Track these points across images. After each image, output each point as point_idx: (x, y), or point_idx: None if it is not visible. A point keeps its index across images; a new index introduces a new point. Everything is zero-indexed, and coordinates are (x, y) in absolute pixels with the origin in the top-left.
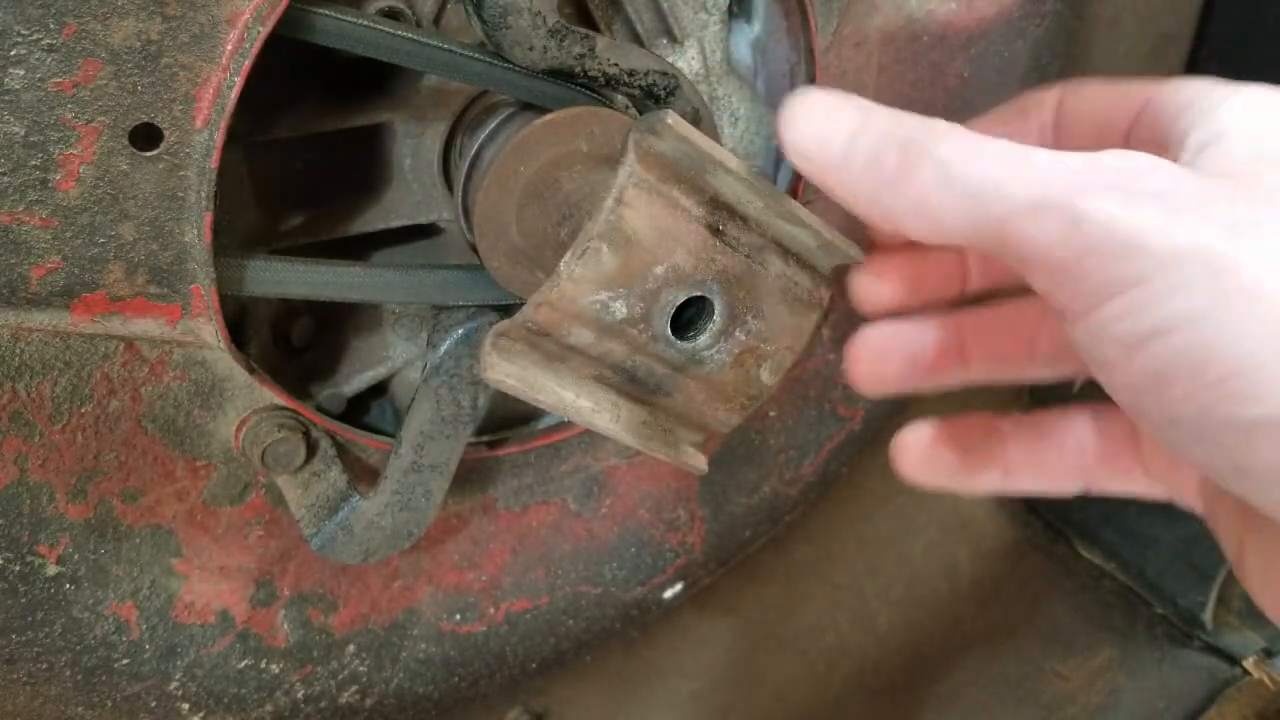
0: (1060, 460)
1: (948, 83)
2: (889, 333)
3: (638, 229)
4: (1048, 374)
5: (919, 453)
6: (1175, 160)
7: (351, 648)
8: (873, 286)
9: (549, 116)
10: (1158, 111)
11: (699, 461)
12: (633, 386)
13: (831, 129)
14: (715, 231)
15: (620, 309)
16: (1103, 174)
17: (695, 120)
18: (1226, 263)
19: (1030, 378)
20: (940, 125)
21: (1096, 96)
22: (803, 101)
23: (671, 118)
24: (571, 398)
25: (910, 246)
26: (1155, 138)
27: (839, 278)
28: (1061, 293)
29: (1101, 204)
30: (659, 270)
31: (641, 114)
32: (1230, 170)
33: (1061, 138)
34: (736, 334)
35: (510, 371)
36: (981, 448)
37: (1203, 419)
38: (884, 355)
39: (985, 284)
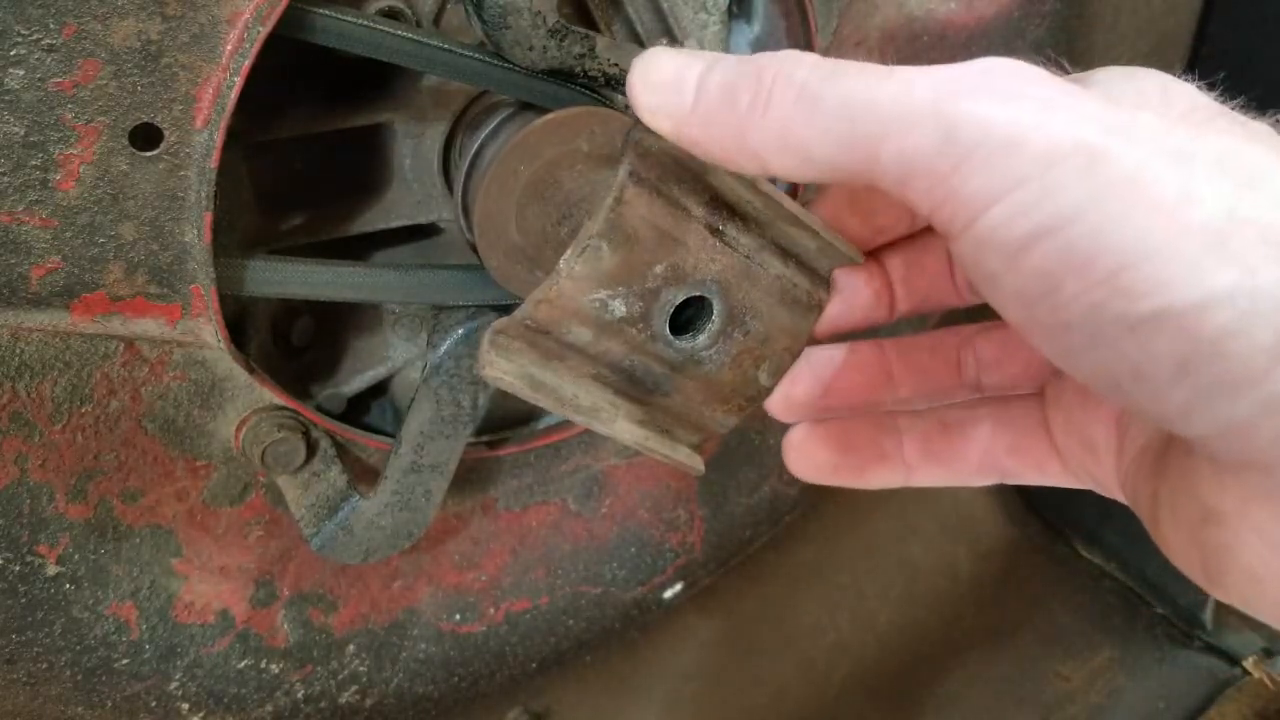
0: (965, 455)
1: None
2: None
3: (638, 228)
4: (983, 477)
5: (799, 452)
6: None
7: (351, 648)
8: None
9: (549, 116)
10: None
11: (696, 462)
12: (631, 386)
13: (679, 78)
14: (715, 231)
15: (619, 308)
16: (973, 79)
17: None
18: (1104, 155)
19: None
20: (797, 54)
21: None
22: (649, 58)
23: None
24: (570, 396)
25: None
26: None
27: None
28: (943, 208)
29: (975, 106)
30: (659, 269)
31: None
32: (1101, 89)
33: None
34: (735, 335)
35: (508, 369)
36: (869, 446)
37: (1095, 319)
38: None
39: (912, 304)
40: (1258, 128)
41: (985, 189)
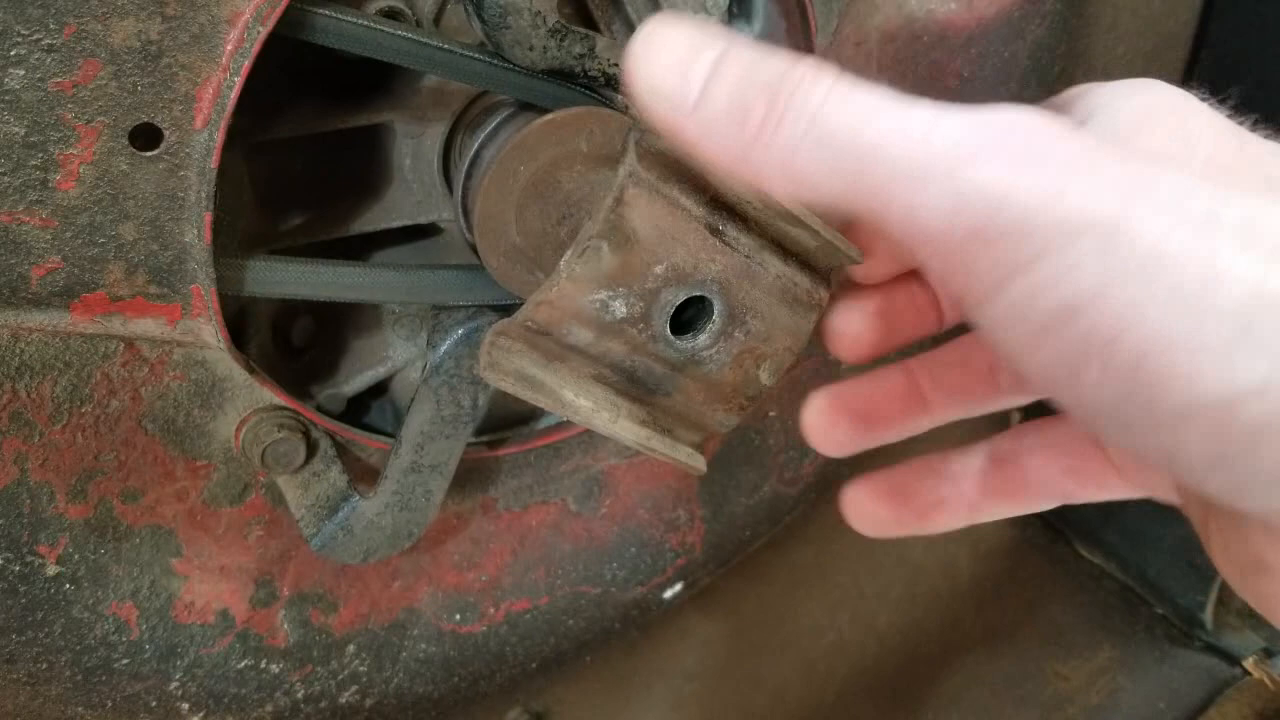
0: (1026, 485)
1: (948, 83)
2: (836, 394)
3: (638, 228)
4: (1017, 400)
5: (859, 511)
6: None
7: (351, 648)
8: (848, 329)
9: (549, 116)
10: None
11: (698, 462)
12: (632, 386)
13: (685, 68)
14: (715, 231)
15: (620, 308)
16: (989, 136)
17: None
18: (1124, 229)
19: (998, 407)
20: (812, 71)
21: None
22: (654, 32)
23: None
24: (571, 397)
25: (881, 285)
26: None
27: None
28: (955, 277)
29: (989, 173)
30: (659, 270)
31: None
32: (1117, 133)
33: None
34: (736, 334)
35: (509, 371)
36: (926, 494)
37: (1123, 407)
38: (833, 419)
39: (959, 316)
40: None
41: (999, 265)
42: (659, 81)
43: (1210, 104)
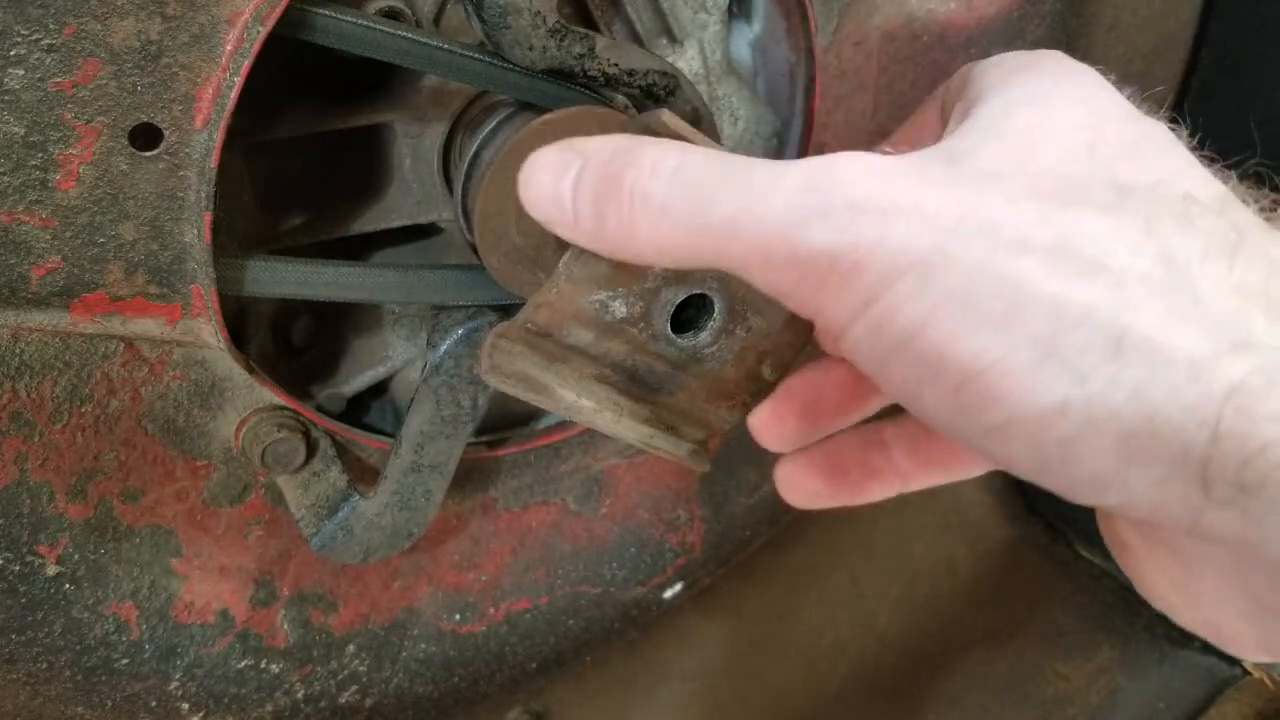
0: (954, 452)
1: None
2: (784, 389)
3: None
4: (982, 467)
5: (791, 484)
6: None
7: (351, 648)
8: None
9: (549, 116)
10: (952, 98)
11: (701, 460)
12: (634, 385)
13: (557, 193)
14: None
15: (620, 308)
16: (818, 197)
17: (695, 120)
18: (938, 266)
19: (970, 473)
20: (648, 153)
21: (948, 87)
22: (528, 168)
23: (667, 115)
24: (573, 398)
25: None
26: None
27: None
28: (817, 321)
29: (819, 236)
30: (658, 269)
31: (641, 114)
32: (972, 139)
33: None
34: (737, 331)
35: (511, 372)
36: (858, 464)
37: (957, 425)
38: (780, 414)
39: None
40: (1131, 164)
41: (841, 312)
42: (546, 210)
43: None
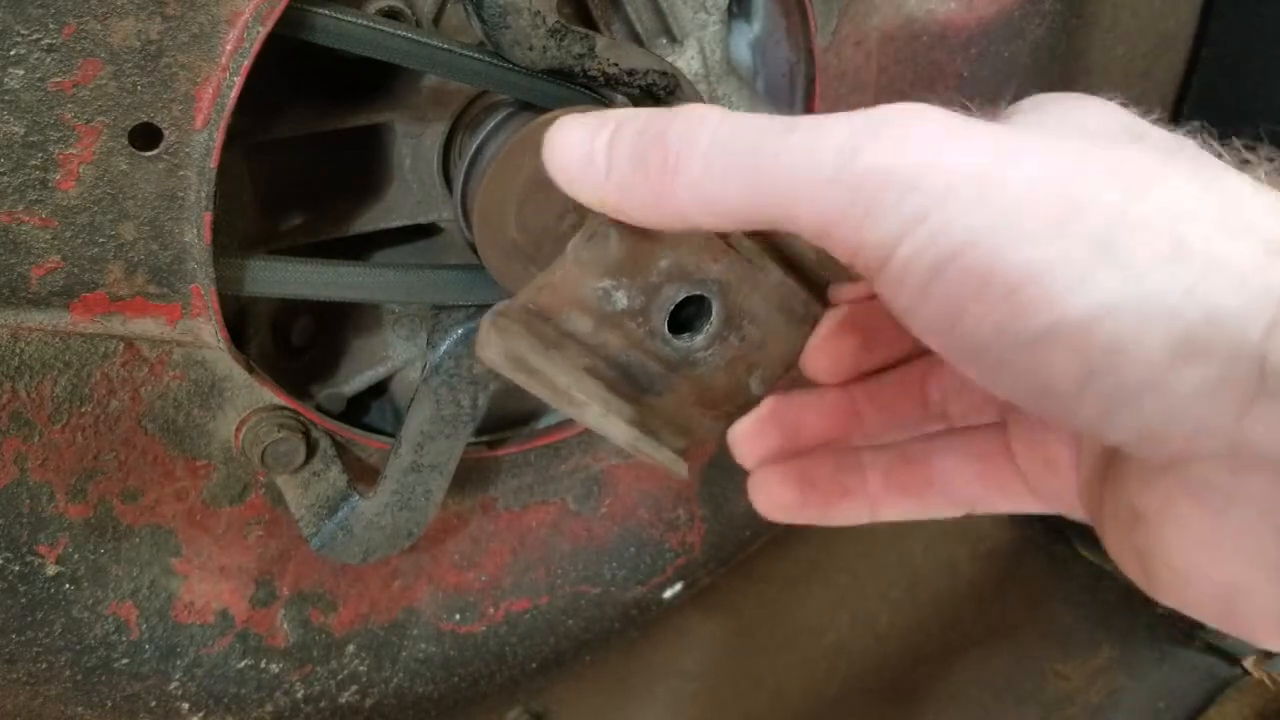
0: (930, 485)
1: (948, 83)
2: (769, 407)
3: None
4: (937, 425)
5: (762, 492)
6: None
7: (351, 647)
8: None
9: (549, 116)
10: None
11: (680, 467)
12: (624, 382)
13: (588, 149)
14: (721, 232)
15: (621, 299)
16: (871, 127)
17: None
18: (995, 179)
19: (922, 430)
20: (694, 109)
21: None
22: (557, 131)
23: None
24: (563, 386)
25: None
26: None
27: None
28: (858, 256)
29: (875, 158)
30: (663, 264)
31: None
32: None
33: None
34: (731, 339)
35: (505, 352)
36: (832, 483)
37: (999, 341)
38: (761, 428)
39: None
40: (1171, 141)
41: (891, 231)
42: (574, 167)
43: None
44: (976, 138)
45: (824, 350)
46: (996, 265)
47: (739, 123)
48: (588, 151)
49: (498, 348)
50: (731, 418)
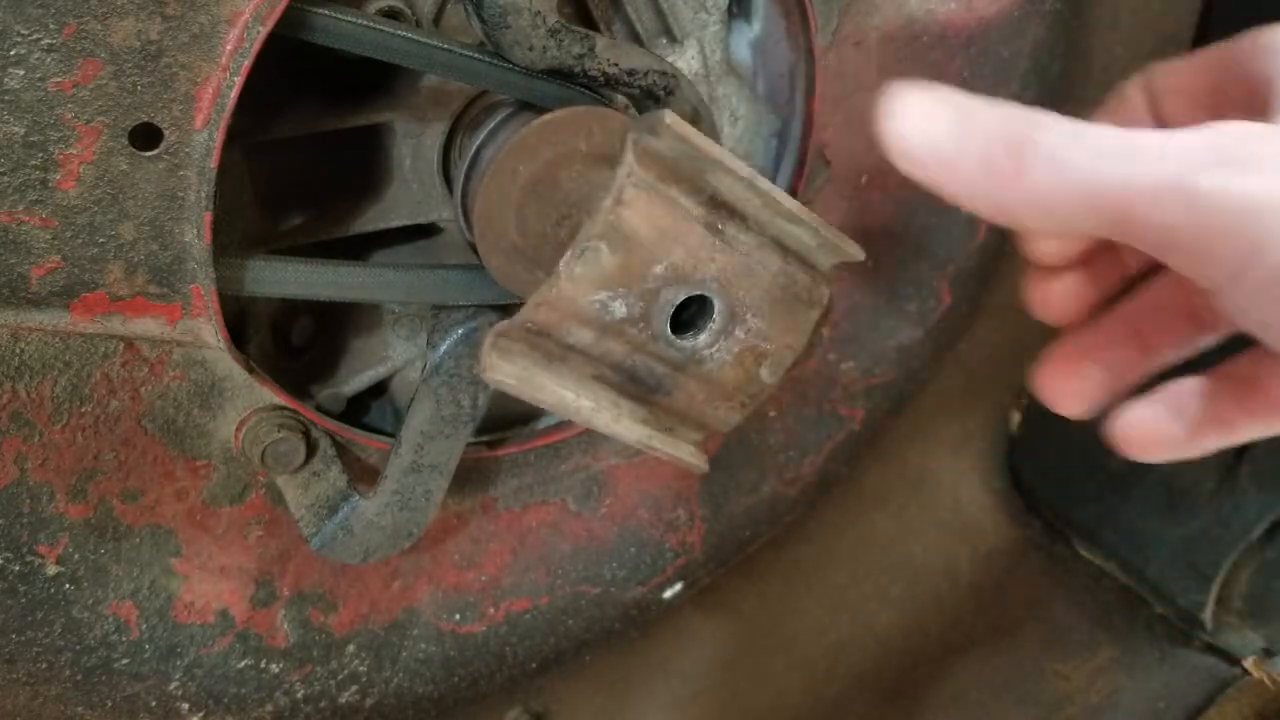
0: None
1: (948, 83)
2: (1068, 348)
3: (637, 228)
4: (1218, 334)
5: (1142, 431)
6: (1269, 116)
7: (351, 647)
8: (1075, 384)
9: (548, 116)
10: (1240, 72)
11: (700, 460)
12: (633, 386)
13: (935, 132)
14: (714, 230)
15: (620, 308)
16: (1208, 148)
17: (694, 120)
18: None
19: (1208, 342)
20: (1044, 118)
21: (1177, 73)
22: (900, 105)
23: (670, 117)
24: (572, 397)
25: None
26: (1246, 97)
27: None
28: (1199, 271)
29: (1215, 181)
30: (658, 269)
31: (641, 114)
32: None
33: (1160, 120)
34: (736, 333)
35: (510, 371)
36: (1201, 411)
37: None
38: (1075, 367)
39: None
40: None
41: (1235, 256)
42: (917, 147)
43: None
44: None
45: (1051, 291)
46: None
47: (1085, 133)
48: (934, 136)
49: (502, 369)
50: (746, 408)
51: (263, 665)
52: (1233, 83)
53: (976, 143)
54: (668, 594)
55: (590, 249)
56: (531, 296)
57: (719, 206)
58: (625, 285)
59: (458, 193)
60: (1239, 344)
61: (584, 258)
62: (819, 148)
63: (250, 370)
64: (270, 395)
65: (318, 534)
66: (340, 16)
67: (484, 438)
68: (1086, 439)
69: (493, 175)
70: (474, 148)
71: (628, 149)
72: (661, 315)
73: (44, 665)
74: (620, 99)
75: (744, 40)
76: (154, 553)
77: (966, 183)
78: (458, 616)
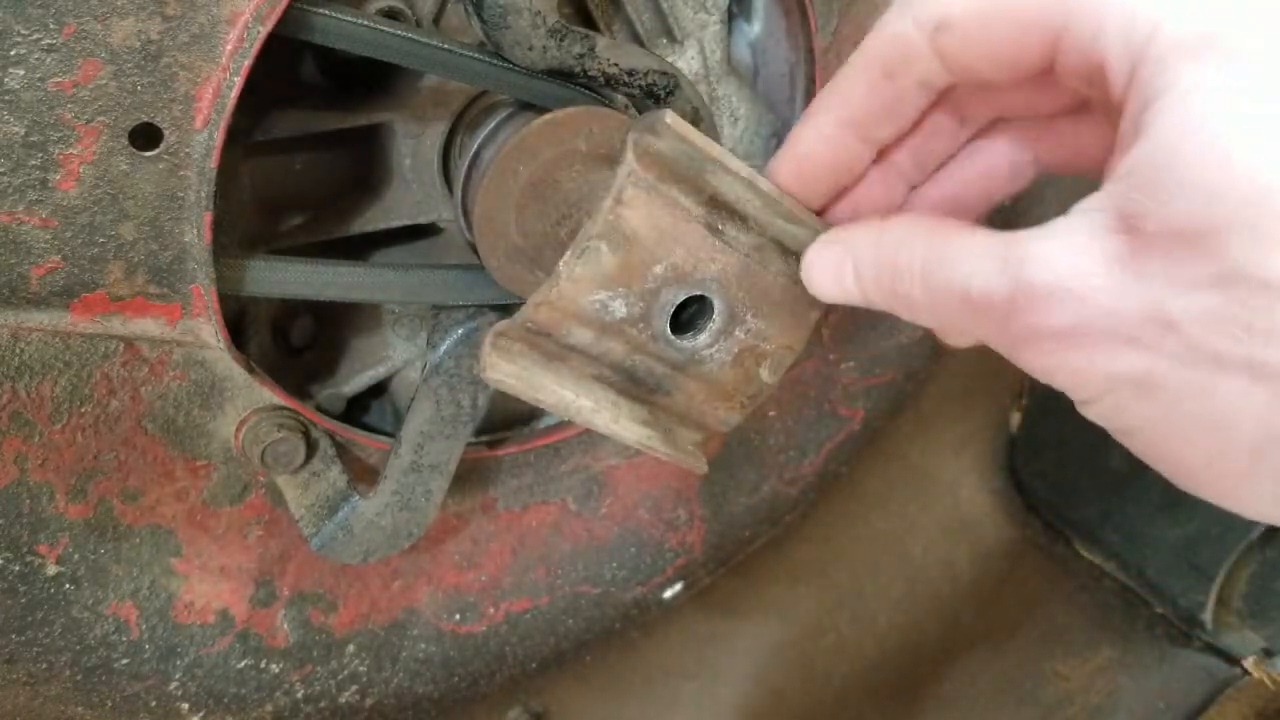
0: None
1: None
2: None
3: (637, 228)
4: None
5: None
6: (1125, 137)
7: (351, 647)
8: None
9: (548, 116)
10: (1088, 52)
11: (699, 461)
12: (633, 386)
13: (840, 279)
14: (714, 231)
15: (620, 308)
16: (1034, 290)
17: (694, 120)
18: (1144, 387)
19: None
20: (910, 238)
21: (984, 31)
22: (810, 264)
23: (670, 117)
24: (571, 397)
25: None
26: (1090, 79)
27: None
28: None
29: (1032, 359)
30: (658, 269)
31: (641, 114)
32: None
33: (957, 78)
34: (736, 333)
35: (510, 371)
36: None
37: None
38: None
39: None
40: None
41: (1072, 395)
42: (831, 295)
43: None
44: (1119, 315)
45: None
46: (1164, 459)
47: (946, 251)
48: (844, 288)
49: (502, 368)
50: (745, 408)
51: (263, 665)
52: (1072, 63)
53: (865, 278)
54: (668, 594)
55: (590, 248)
56: (531, 296)
57: (719, 207)
58: (625, 285)
59: (458, 193)
60: None
61: (584, 257)
62: None
63: (250, 370)
64: (270, 395)
65: (318, 534)
66: (340, 16)
67: (484, 438)
68: (1086, 439)
69: (493, 175)
70: (474, 148)
71: (628, 148)
72: (661, 315)
73: (44, 665)
74: (620, 99)
75: (744, 40)
76: (154, 553)
77: (871, 301)
78: (458, 616)
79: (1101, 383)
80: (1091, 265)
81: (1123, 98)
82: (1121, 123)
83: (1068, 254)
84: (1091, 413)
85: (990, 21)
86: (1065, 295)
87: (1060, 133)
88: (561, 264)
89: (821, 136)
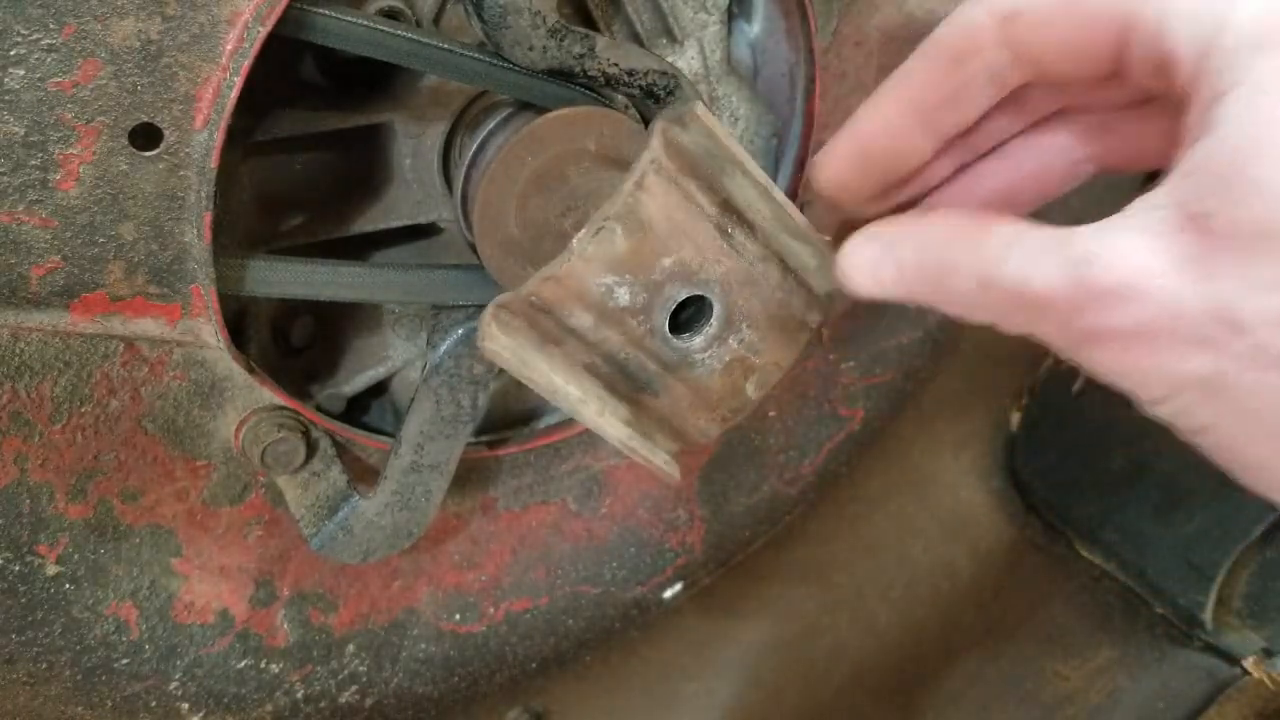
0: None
1: None
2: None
3: (653, 216)
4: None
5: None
6: (1192, 131)
7: (351, 647)
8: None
9: (562, 111)
10: (1155, 43)
11: (673, 470)
12: (622, 381)
13: (880, 273)
14: (724, 233)
15: (624, 296)
16: (1094, 286)
17: None
18: (1213, 386)
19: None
20: (957, 233)
21: (1054, 22)
22: (847, 259)
23: (700, 109)
24: (560, 382)
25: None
26: (1157, 71)
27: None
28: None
29: (1101, 358)
30: (667, 262)
31: (641, 114)
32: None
33: (1026, 72)
34: (730, 341)
35: (506, 344)
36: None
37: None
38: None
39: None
40: None
41: (1143, 399)
42: (868, 289)
43: None
44: (1201, 330)
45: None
46: (1235, 460)
47: (985, 242)
48: (881, 281)
49: (499, 340)
50: (726, 421)
51: (263, 665)
52: (1141, 56)
53: (909, 274)
54: (668, 594)
55: (606, 229)
56: (540, 270)
57: (730, 210)
58: (633, 272)
59: (458, 192)
60: None
61: (599, 236)
62: (819, 148)
63: (250, 370)
64: (270, 395)
65: (318, 534)
66: (340, 16)
67: (484, 438)
68: (1086, 439)
69: (500, 163)
70: (474, 148)
71: (656, 134)
72: (662, 310)
73: (44, 665)
74: (620, 99)
75: (744, 40)
76: (154, 553)
77: (914, 297)
78: (458, 616)
79: (1169, 383)
80: (1158, 264)
81: (1189, 89)
82: (1188, 115)
83: (1134, 253)
84: (1159, 412)
85: (1060, 11)
86: (1132, 295)
87: (1124, 130)
88: (575, 241)
89: (882, 116)
